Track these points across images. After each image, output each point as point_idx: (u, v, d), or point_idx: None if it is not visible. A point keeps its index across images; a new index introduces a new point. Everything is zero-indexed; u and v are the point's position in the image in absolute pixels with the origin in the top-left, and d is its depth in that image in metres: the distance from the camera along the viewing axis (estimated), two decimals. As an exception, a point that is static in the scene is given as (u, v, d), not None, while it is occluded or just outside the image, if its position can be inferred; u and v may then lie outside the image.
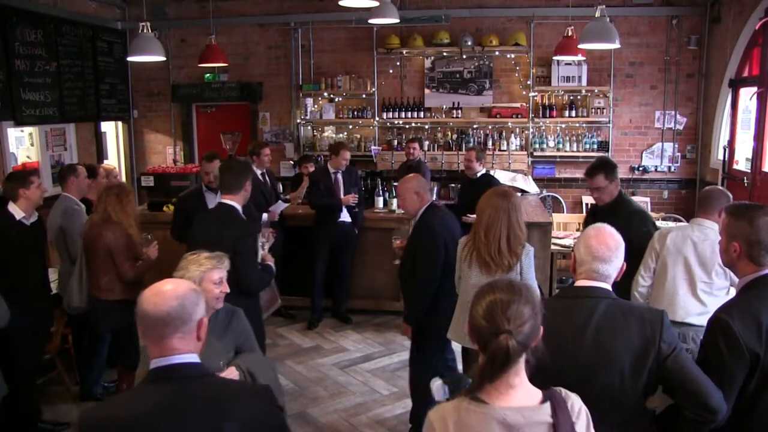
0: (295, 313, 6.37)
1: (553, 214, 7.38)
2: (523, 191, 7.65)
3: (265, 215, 5.88)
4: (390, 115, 8.35)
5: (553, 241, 6.00)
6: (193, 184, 7.28)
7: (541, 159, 8.18)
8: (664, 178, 8.10)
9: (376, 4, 5.82)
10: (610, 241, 2.17)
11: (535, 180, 8.00)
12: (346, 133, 8.63)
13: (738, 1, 6.80)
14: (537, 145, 8.10)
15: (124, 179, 9.03)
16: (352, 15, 7.79)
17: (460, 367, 4.06)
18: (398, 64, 8.38)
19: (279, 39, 8.64)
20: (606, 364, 2.05)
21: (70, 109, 7.59)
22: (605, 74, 7.95)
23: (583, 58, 7.48)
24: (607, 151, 7.94)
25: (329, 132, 8.70)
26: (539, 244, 6.07)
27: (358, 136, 8.57)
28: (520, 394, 1.64)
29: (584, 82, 7.88)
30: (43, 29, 7.05)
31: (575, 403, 1.69)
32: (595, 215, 4.12)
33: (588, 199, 8.08)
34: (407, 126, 8.41)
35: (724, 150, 7.05)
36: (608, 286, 2.16)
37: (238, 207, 3.71)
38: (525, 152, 8.09)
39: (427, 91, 8.38)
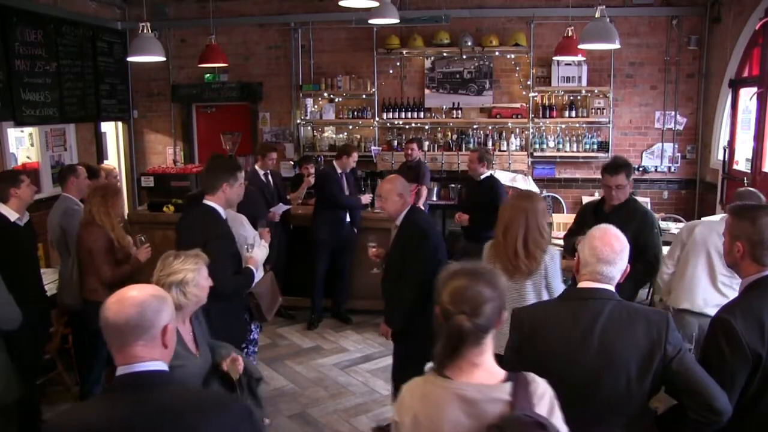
0: (295, 314, 6.37)
1: (553, 215, 7.38)
2: (523, 191, 7.65)
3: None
4: (390, 115, 8.35)
5: (554, 241, 5.98)
6: (194, 184, 7.29)
7: (541, 159, 8.18)
8: (664, 179, 8.09)
9: (376, 4, 5.81)
10: (615, 243, 2.16)
11: (535, 180, 7.99)
12: (346, 134, 8.63)
13: (738, 1, 6.80)
14: (537, 146, 8.10)
15: (124, 179, 9.04)
16: (352, 15, 7.79)
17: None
18: (398, 64, 8.38)
19: (279, 39, 8.64)
20: (612, 367, 2.04)
21: (70, 109, 7.59)
22: (605, 74, 7.95)
23: (583, 59, 7.48)
24: (607, 151, 7.95)
25: (329, 132, 8.70)
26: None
27: (358, 136, 8.57)
28: (482, 373, 1.72)
29: (584, 82, 7.88)
30: (43, 29, 7.05)
31: (540, 386, 1.72)
32: (597, 214, 4.11)
33: (588, 199, 8.08)
34: (407, 126, 8.41)
35: (724, 150, 7.04)
36: (612, 288, 2.15)
37: (217, 208, 3.64)
38: (525, 152, 8.09)
39: (427, 91, 8.37)
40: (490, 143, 8.12)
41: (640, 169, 8.07)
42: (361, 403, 4.66)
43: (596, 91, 7.91)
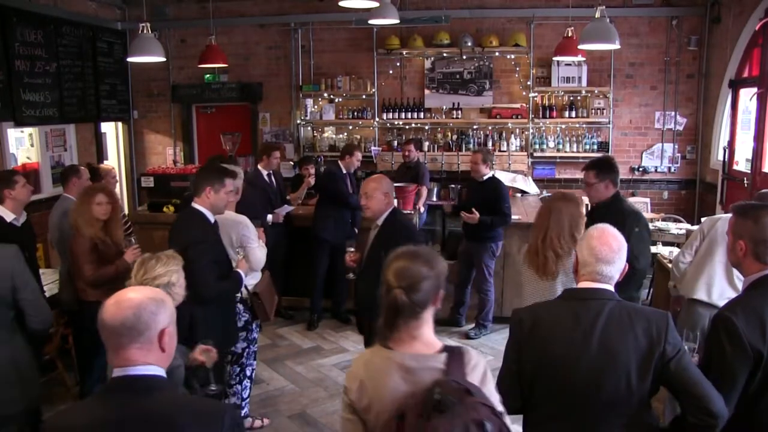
0: (294, 314, 6.37)
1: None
2: (523, 192, 7.66)
3: (269, 216, 5.89)
4: (390, 115, 8.35)
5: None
6: (194, 185, 7.28)
7: (541, 159, 8.18)
8: (664, 179, 8.10)
9: (376, 4, 5.82)
10: (613, 242, 2.17)
11: (535, 181, 8.01)
12: (346, 134, 8.64)
13: (738, 1, 6.80)
14: (537, 146, 8.10)
15: (124, 180, 9.05)
16: (352, 15, 7.79)
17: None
18: (398, 64, 8.38)
19: (279, 39, 8.64)
20: (613, 366, 2.05)
21: (70, 109, 7.59)
22: (605, 75, 7.96)
23: (583, 59, 7.49)
24: (607, 151, 7.95)
25: (329, 133, 8.71)
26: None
27: (358, 136, 8.57)
28: (421, 344, 1.89)
29: (584, 82, 7.88)
30: (43, 30, 7.06)
31: (473, 358, 1.90)
32: (592, 216, 4.13)
33: (587, 199, 8.07)
34: (407, 127, 8.41)
35: (724, 150, 7.04)
36: (611, 288, 2.15)
37: (204, 211, 3.62)
38: (525, 153, 8.10)
39: (427, 91, 8.38)
40: (490, 143, 8.13)
41: (640, 169, 8.08)
42: (361, 404, 4.65)
43: (596, 91, 7.91)
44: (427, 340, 1.91)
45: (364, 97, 8.43)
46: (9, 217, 3.98)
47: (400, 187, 6.72)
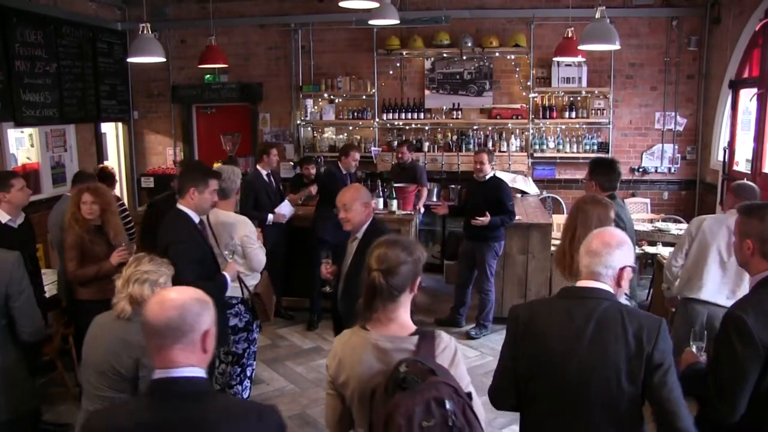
0: (294, 314, 6.37)
1: (553, 215, 7.39)
2: (523, 192, 7.66)
3: (270, 216, 5.89)
4: (390, 116, 8.35)
5: (553, 242, 6.00)
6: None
7: (541, 160, 8.18)
8: (664, 179, 8.10)
9: (377, 5, 5.82)
10: (610, 240, 2.17)
11: (535, 181, 8.01)
12: (346, 134, 8.64)
13: (738, 2, 6.81)
14: (537, 146, 8.10)
15: (124, 180, 9.05)
16: (352, 16, 7.80)
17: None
18: (398, 65, 8.38)
19: (279, 40, 8.65)
20: (603, 365, 2.04)
21: (70, 110, 7.59)
22: (605, 75, 7.96)
23: (583, 59, 7.48)
24: (607, 152, 7.95)
25: (329, 133, 8.71)
26: (539, 245, 6.09)
27: (358, 137, 8.57)
28: (396, 326, 2.04)
29: (584, 83, 7.88)
30: (43, 30, 7.05)
31: (444, 341, 2.06)
32: None
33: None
34: (407, 127, 8.41)
35: (725, 151, 7.04)
36: (609, 288, 2.14)
37: (187, 211, 3.61)
38: (525, 153, 8.10)
39: (427, 92, 8.38)
40: (490, 144, 8.13)
41: (640, 170, 8.08)
42: (361, 404, 4.65)
43: (596, 91, 7.91)
44: (402, 322, 2.06)
45: (364, 97, 8.43)
46: (4, 218, 3.98)
47: (400, 187, 6.73)
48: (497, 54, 8.07)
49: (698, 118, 7.88)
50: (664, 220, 7.15)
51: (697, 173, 7.94)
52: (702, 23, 7.71)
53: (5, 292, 2.98)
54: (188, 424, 1.64)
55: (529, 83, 8.06)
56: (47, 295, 4.57)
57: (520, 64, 8.12)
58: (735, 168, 6.92)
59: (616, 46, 5.63)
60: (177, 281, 3.01)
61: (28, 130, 7.10)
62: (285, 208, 6.09)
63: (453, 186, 8.04)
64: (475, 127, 8.26)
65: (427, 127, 8.38)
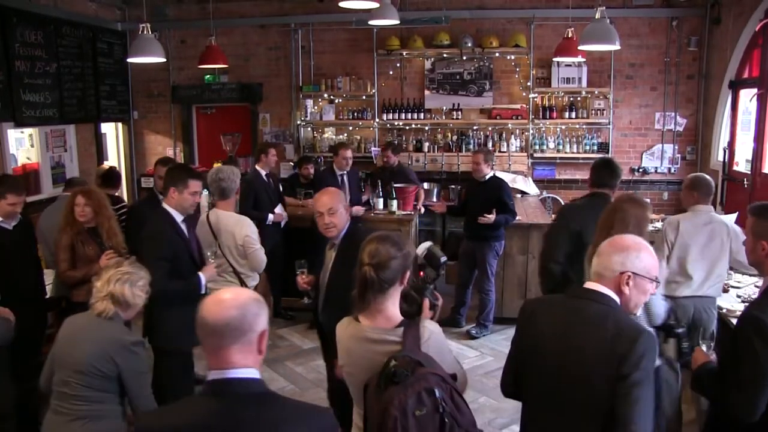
0: (295, 315, 6.37)
1: (553, 215, 7.38)
2: (523, 193, 7.66)
3: (270, 216, 5.88)
4: (390, 116, 8.35)
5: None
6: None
7: (541, 160, 8.18)
8: (664, 180, 8.09)
9: (376, 5, 5.82)
10: (618, 244, 2.15)
11: (535, 181, 8.00)
12: (346, 135, 8.63)
13: (738, 2, 6.81)
14: (537, 147, 8.10)
15: (124, 181, 9.03)
16: (352, 16, 7.80)
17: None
18: (398, 65, 8.38)
19: (279, 40, 8.64)
20: (580, 364, 2.04)
21: (70, 110, 7.59)
22: (605, 75, 7.96)
23: (583, 60, 7.49)
24: (607, 152, 7.95)
25: (329, 133, 8.71)
26: (540, 245, 6.08)
27: (359, 137, 8.57)
28: (383, 318, 2.18)
29: (584, 83, 7.88)
30: (43, 30, 7.05)
31: (428, 330, 2.16)
32: None
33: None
34: (407, 127, 8.41)
35: (724, 151, 7.04)
36: (610, 291, 2.11)
37: (170, 210, 3.67)
38: (525, 153, 8.10)
39: (427, 92, 8.37)
40: (490, 144, 8.13)
41: (640, 170, 8.08)
42: (361, 404, 4.65)
43: (596, 92, 7.91)
44: (389, 314, 2.19)
45: (364, 97, 8.43)
46: None
47: (401, 187, 6.73)
48: (497, 54, 8.07)
49: (698, 119, 7.88)
50: (663, 221, 7.14)
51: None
52: (702, 23, 7.71)
53: None
54: (250, 425, 1.62)
55: (529, 83, 8.06)
56: (48, 295, 4.56)
57: (520, 64, 8.12)
58: (735, 168, 6.91)
59: (616, 47, 5.63)
60: None
61: (28, 131, 7.09)
62: (278, 210, 6.09)
63: (453, 186, 8.04)
64: (475, 128, 8.26)
65: (427, 128, 8.38)
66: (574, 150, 8.04)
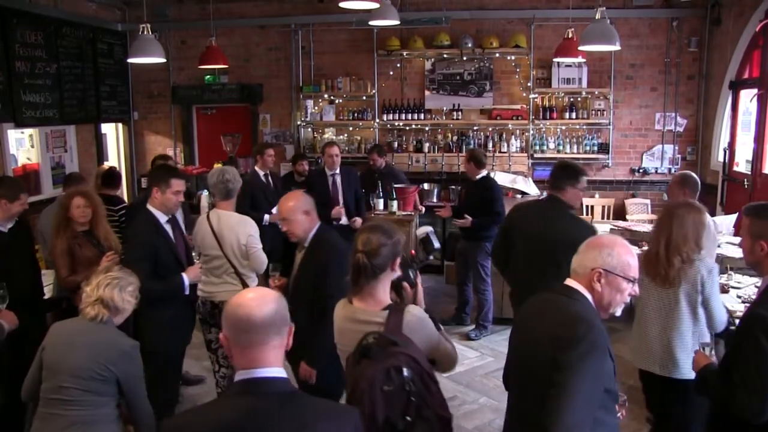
0: (295, 315, 6.35)
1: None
2: (523, 193, 7.66)
3: (267, 216, 5.87)
4: (390, 116, 8.35)
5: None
6: (194, 185, 7.28)
7: (541, 161, 8.17)
8: (664, 180, 8.07)
9: (377, 5, 5.81)
10: (593, 241, 2.20)
11: (536, 182, 7.98)
12: (346, 135, 8.64)
13: (738, 2, 6.80)
14: (537, 147, 8.10)
15: (124, 181, 9.03)
16: (352, 17, 7.79)
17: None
18: (398, 65, 8.38)
19: (279, 41, 8.65)
20: (529, 348, 2.13)
21: (71, 110, 7.59)
22: (605, 76, 7.95)
23: (584, 60, 7.48)
24: (608, 153, 7.95)
25: (329, 134, 8.71)
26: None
27: (359, 137, 8.57)
28: (373, 301, 2.34)
29: (584, 83, 7.88)
30: (43, 31, 7.06)
31: (410, 313, 2.29)
32: None
33: (588, 201, 8.08)
34: (407, 128, 8.41)
35: (725, 152, 7.04)
36: (581, 288, 2.12)
37: (153, 211, 3.65)
38: (525, 154, 8.10)
39: (427, 92, 8.37)
40: (490, 145, 8.13)
41: (641, 170, 8.07)
42: (361, 405, 4.64)
43: (596, 92, 7.91)
44: (379, 298, 2.35)
45: (364, 98, 8.43)
46: None
47: (401, 188, 6.73)
48: (497, 55, 8.07)
49: (698, 119, 7.88)
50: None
51: (698, 174, 7.90)
52: (702, 24, 7.70)
53: None
54: (284, 424, 1.62)
55: (529, 84, 8.06)
56: (47, 295, 4.55)
57: (520, 64, 8.12)
58: (735, 169, 6.91)
59: (617, 47, 5.63)
60: None
61: (28, 131, 7.10)
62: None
63: (453, 187, 8.04)
64: (475, 128, 8.26)
65: (427, 128, 8.38)
66: (575, 150, 8.04)
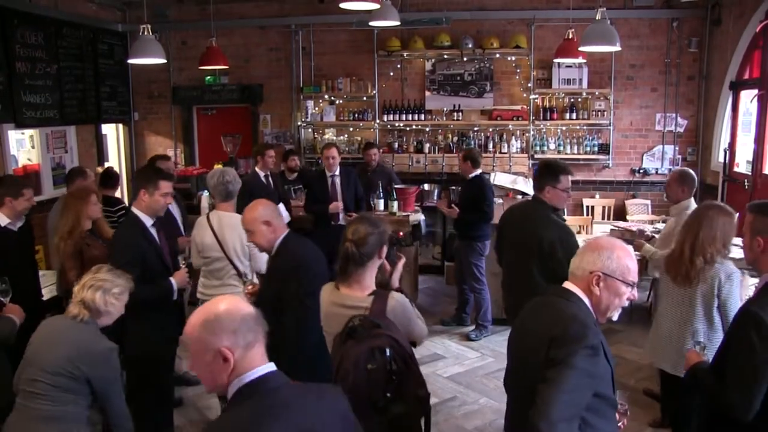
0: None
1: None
2: (523, 194, 7.65)
3: None
4: (391, 117, 8.35)
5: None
6: (194, 186, 7.28)
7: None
8: (664, 181, 8.04)
9: (377, 6, 5.81)
10: (593, 244, 2.13)
11: (536, 182, 7.99)
12: (346, 136, 8.64)
13: (738, 3, 6.80)
14: (538, 148, 8.10)
15: (124, 181, 9.04)
16: (352, 17, 7.79)
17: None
18: (399, 66, 8.39)
19: (280, 41, 8.65)
20: (523, 347, 2.11)
21: (71, 111, 7.59)
22: (606, 77, 7.95)
23: (584, 61, 7.48)
24: (608, 153, 7.95)
25: (330, 134, 8.71)
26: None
27: (359, 138, 8.57)
28: (359, 287, 2.50)
29: (585, 84, 7.88)
30: (43, 31, 7.06)
31: (394, 299, 2.47)
32: None
33: (588, 202, 8.08)
34: (408, 128, 8.41)
35: (725, 152, 7.04)
36: (579, 291, 2.07)
37: (138, 214, 3.58)
38: (526, 154, 8.09)
39: (427, 93, 8.37)
40: (490, 145, 8.13)
41: (641, 171, 8.07)
42: (362, 406, 4.64)
43: (597, 93, 7.91)
44: (365, 284, 2.51)
45: (364, 98, 8.43)
46: (3, 221, 3.97)
47: (401, 188, 6.72)
48: (498, 55, 8.07)
49: (699, 120, 7.88)
50: (664, 222, 7.13)
51: (698, 175, 7.90)
52: (702, 25, 7.70)
53: None
54: (292, 410, 1.64)
55: (529, 84, 8.06)
56: (47, 296, 4.56)
57: (520, 65, 8.12)
58: (735, 169, 6.91)
59: (617, 48, 5.62)
60: None
61: (28, 132, 7.10)
62: (281, 211, 6.08)
63: (453, 187, 8.02)
64: (475, 129, 8.26)
65: (427, 129, 8.38)
66: (575, 151, 8.04)
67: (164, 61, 5.93)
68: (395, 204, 6.51)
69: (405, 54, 8.25)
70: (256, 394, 1.63)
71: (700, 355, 2.54)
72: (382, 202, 6.59)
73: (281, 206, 6.10)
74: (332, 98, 8.54)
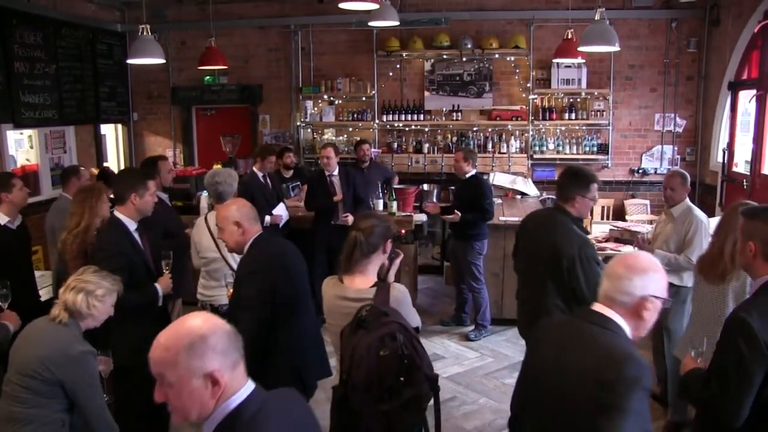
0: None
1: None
2: (522, 194, 7.66)
3: (267, 218, 5.87)
4: (390, 117, 8.35)
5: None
6: (193, 186, 7.28)
7: (541, 161, 8.17)
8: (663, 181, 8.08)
9: (376, 6, 5.81)
10: (636, 264, 1.98)
11: (535, 182, 8.00)
12: (346, 136, 8.64)
13: (737, 3, 6.81)
14: (537, 148, 8.11)
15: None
16: (352, 17, 7.79)
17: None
18: (398, 66, 8.39)
19: (279, 41, 8.65)
20: (562, 385, 1.93)
21: (70, 111, 7.59)
22: (605, 77, 7.96)
23: (583, 61, 7.49)
24: (607, 153, 7.95)
25: (329, 134, 8.71)
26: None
27: (358, 138, 8.55)
28: (362, 278, 2.62)
29: (584, 84, 7.88)
30: (42, 32, 7.05)
31: (396, 289, 2.60)
32: None
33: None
34: (407, 128, 8.41)
35: (724, 152, 7.05)
36: (619, 318, 1.96)
37: (122, 218, 3.50)
38: (525, 155, 8.10)
39: (426, 93, 8.38)
40: (490, 145, 8.14)
41: (640, 171, 8.08)
42: (361, 406, 4.64)
43: (596, 93, 7.92)
44: (369, 276, 2.64)
45: (364, 99, 8.43)
46: (3, 219, 3.97)
47: (401, 189, 6.73)
48: (497, 55, 8.07)
49: (697, 120, 7.89)
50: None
51: (697, 175, 7.93)
52: (701, 25, 7.71)
53: None
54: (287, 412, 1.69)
55: (528, 85, 8.07)
56: (45, 297, 4.55)
57: (519, 65, 8.12)
58: (734, 169, 6.92)
59: (616, 48, 5.62)
60: None
61: (27, 132, 7.09)
62: (281, 210, 6.08)
63: (452, 187, 8.02)
64: (474, 129, 8.26)
65: (426, 129, 8.38)
66: (574, 151, 8.04)
67: (163, 61, 5.92)
68: (395, 204, 6.51)
69: (404, 54, 8.25)
70: (238, 423, 1.53)
71: (695, 362, 2.53)
72: (381, 202, 6.59)
73: (282, 206, 6.12)
74: (331, 98, 8.54)
